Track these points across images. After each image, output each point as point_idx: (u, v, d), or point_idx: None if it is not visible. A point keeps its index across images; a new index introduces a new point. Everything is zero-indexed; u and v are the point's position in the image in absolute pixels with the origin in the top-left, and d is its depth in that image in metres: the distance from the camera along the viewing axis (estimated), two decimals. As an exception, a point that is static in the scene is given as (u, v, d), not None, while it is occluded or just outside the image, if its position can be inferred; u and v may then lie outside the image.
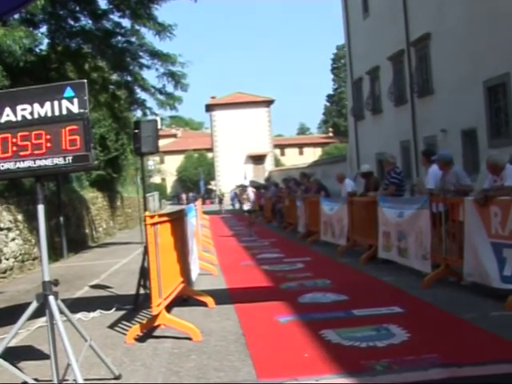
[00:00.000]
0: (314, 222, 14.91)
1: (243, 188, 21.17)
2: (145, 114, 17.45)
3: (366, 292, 7.53)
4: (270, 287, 8.39)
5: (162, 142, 68.64)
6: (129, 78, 16.69)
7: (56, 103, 4.19)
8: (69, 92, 4.21)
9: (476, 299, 6.52)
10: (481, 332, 5.14)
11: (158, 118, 18.38)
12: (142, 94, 17.09)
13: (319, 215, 14.16)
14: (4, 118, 4.20)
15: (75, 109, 4.18)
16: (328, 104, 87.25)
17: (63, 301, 4.36)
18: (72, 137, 4.15)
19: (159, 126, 10.78)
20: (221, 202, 46.68)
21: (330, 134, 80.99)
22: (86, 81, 4.30)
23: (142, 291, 7.47)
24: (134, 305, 7.31)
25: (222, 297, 7.73)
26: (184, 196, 63.36)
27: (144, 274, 7.41)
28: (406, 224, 8.55)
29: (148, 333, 5.93)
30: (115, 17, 15.37)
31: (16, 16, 11.76)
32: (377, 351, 4.74)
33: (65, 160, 4.14)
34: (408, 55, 23.17)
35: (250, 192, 19.49)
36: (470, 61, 18.43)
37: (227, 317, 6.55)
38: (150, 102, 16.95)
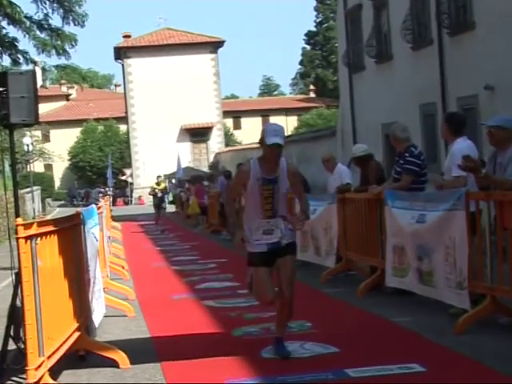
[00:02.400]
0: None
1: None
2: (16, 63, 17.24)
3: (367, 341, 7.60)
4: (217, 334, 8.40)
5: (45, 108, 68.95)
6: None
7: None
8: None
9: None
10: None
11: (38, 69, 18.10)
12: (10, 30, 16.91)
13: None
14: None
15: None
16: (307, 47, 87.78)
17: None
18: None
19: (40, 82, 10.64)
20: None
21: (312, 95, 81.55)
22: None
23: (11, 345, 7.37)
24: (0, 368, 7.20)
25: (142, 351, 7.69)
26: (84, 193, 62.97)
27: (15, 318, 7.31)
28: (431, 234, 8.67)
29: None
30: None
31: None
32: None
33: None
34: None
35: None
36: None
37: (150, 384, 6.53)
38: (24, 43, 16.83)
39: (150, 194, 31.50)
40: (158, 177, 32.40)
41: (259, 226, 6.92)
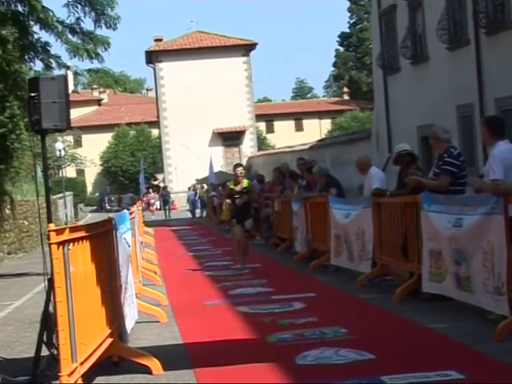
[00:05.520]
0: (320, 236, 14.94)
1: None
2: (48, 67, 17.37)
3: (404, 347, 7.57)
4: (250, 340, 8.40)
5: (76, 113, 69.46)
6: (20, 8, 16.63)
7: None
8: None
9: None
10: None
11: (70, 74, 18.24)
12: (42, 34, 17.06)
13: (328, 226, 14.23)
14: None
15: None
16: (341, 49, 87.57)
17: None
18: None
19: (71, 87, 10.74)
20: (166, 202, 46.55)
21: (345, 97, 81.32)
22: None
23: (44, 352, 7.41)
24: (33, 374, 7.25)
25: (175, 357, 7.71)
26: (114, 199, 63.36)
27: (48, 324, 7.36)
28: (468, 238, 8.60)
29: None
30: None
31: None
32: None
33: None
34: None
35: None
36: None
37: (183, 390, 6.57)
38: (57, 48, 16.97)
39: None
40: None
41: None
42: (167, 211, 47.34)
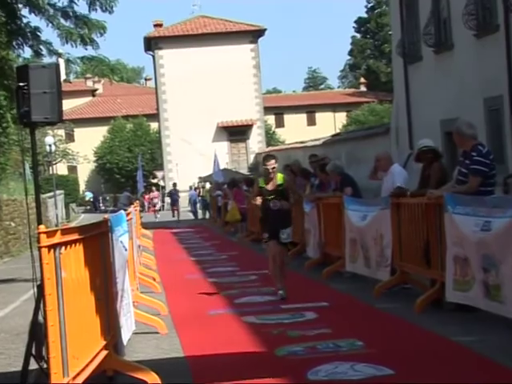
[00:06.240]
0: (334, 239, 14.95)
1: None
2: (38, 54, 17.39)
3: (426, 362, 7.54)
4: (258, 353, 8.39)
5: (68, 104, 69.58)
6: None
7: None
8: None
9: None
10: None
11: (62, 62, 18.26)
12: (32, 18, 17.08)
13: (343, 229, 14.21)
14: None
15: None
16: (358, 35, 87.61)
17: None
18: None
19: (63, 76, 10.73)
20: (175, 202, 46.06)
21: (362, 89, 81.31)
22: None
23: (33, 365, 7.42)
24: (20, 389, 7.26)
25: (176, 371, 7.71)
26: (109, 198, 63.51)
27: (37, 335, 7.36)
28: (497, 243, 8.57)
29: None
30: None
31: None
32: None
33: None
34: None
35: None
36: None
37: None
38: (48, 33, 17.00)
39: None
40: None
41: None
42: (176, 212, 47.10)
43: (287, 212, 12.65)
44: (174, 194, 46.86)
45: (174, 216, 45.27)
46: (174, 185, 47.24)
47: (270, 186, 12.48)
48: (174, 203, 46.31)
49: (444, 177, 11.48)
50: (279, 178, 12.54)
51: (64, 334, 5.85)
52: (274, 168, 12.45)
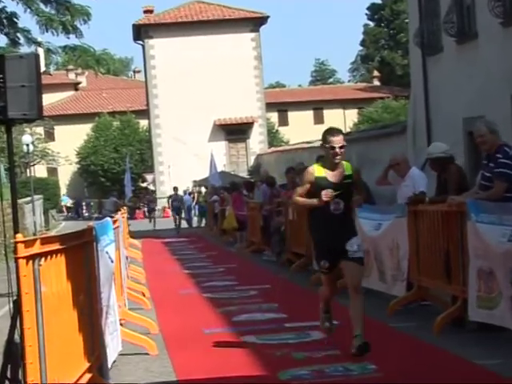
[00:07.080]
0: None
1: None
2: (15, 43, 17.41)
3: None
4: (258, 377, 8.36)
5: (48, 99, 69.59)
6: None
7: None
8: None
9: None
10: None
11: (41, 51, 18.25)
12: (7, 3, 17.09)
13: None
14: None
15: None
16: (371, 24, 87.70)
17: None
18: None
19: (42, 67, 10.73)
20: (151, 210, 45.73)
21: (376, 83, 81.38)
22: None
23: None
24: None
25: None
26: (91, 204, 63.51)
27: (13, 356, 7.35)
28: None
29: None
30: None
31: None
32: None
33: None
34: None
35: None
36: None
37: None
38: (25, 20, 17.01)
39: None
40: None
41: None
42: (152, 220, 47.12)
43: (350, 217, 9.76)
44: (175, 200, 45.90)
45: (176, 224, 43.93)
46: (175, 189, 46.41)
47: (333, 177, 9.35)
48: (177, 210, 44.37)
49: (463, 180, 11.45)
50: (347, 167, 9.47)
51: (43, 355, 5.84)
52: (342, 148, 9.28)
